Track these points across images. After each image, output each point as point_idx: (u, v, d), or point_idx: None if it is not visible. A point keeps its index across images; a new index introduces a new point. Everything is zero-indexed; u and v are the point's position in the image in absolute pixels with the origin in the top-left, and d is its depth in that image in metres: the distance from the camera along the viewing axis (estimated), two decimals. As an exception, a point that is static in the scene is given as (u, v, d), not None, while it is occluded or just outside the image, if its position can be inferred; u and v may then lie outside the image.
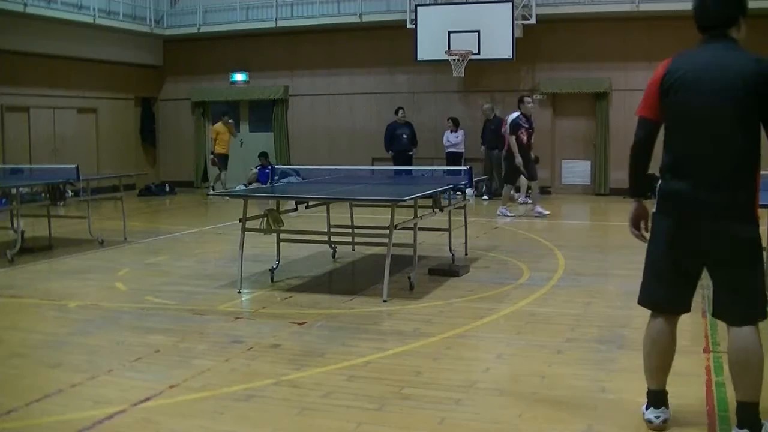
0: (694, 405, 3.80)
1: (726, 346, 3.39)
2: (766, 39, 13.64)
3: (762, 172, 3.35)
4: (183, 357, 4.77)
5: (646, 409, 3.55)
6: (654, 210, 3.43)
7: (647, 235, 3.51)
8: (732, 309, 3.28)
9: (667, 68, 3.31)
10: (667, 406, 3.52)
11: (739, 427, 3.23)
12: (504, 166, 12.69)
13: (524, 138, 11.94)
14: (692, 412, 3.71)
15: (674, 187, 3.29)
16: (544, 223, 11.62)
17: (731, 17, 3.32)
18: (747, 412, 3.20)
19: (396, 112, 15.55)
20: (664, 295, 3.43)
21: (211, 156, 16.55)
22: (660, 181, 3.40)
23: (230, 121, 16.61)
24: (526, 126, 12.03)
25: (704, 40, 3.34)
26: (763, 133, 3.24)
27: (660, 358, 3.49)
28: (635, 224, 3.55)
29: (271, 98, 17.69)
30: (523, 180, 13.61)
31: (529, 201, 13.83)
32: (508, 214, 12.18)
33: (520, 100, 12.45)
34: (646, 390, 3.57)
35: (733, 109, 3.17)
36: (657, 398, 3.51)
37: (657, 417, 3.49)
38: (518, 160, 11.86)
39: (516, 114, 12.44)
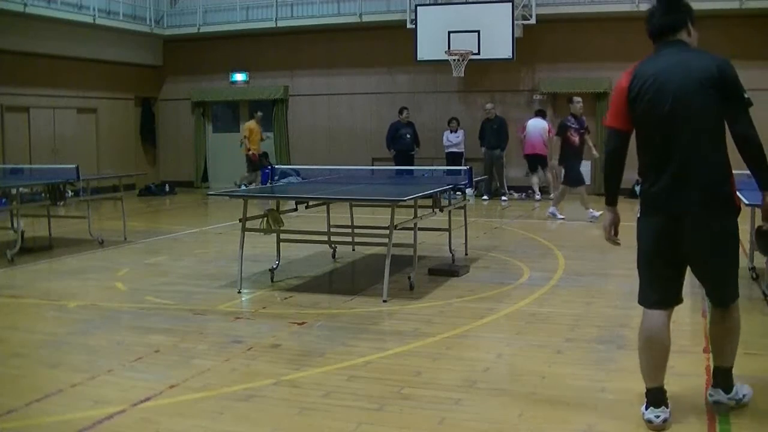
0: (694, 405, 3.79)
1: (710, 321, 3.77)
2: (767, 39, 13.79)
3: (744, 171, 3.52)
4: (183, 357, 4.77)
5: (646, 409, 3.56)
6: (638, 215, 3.61)
7: (619, 241, 3.81)
8: (715, 294, 3.61)
9: (631, 76, 3.50)
10: (666, 406, 3.54)
11: (714, 386, 3.70)
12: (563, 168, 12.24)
13: (575, 139, 11.40)
14: (692, 412, 3.71)
15: (658, 188, 3.47)
16: (544, 223, 11.61)
17: (678, 23, 3.53)
18: (722, 375, 3.67)
19: (400, 112, 15.52)
20: (658, 291, 3.59)
21: (250, 152, 15.80)
22: (641, 185, 3.60)
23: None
24: (576, 126, 11.48)
25: (659, 47, 3.57)
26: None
27: (656, 355, 3.57)
28: (610, 230, 3.78)
29: (271, 98, 17.69)
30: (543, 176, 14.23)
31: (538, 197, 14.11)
32: (559, 216, 11.69)
33: (569, 100, 11.99)
34: (645, 390, 3.60)
35: (703, 107, 3.36)
36: (656, 397, 3.54)
37: (657, 417, 3.50)
38: (553, 162, 11.64)
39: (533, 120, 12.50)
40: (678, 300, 3.62)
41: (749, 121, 3.35)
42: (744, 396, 3.70)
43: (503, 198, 14.84)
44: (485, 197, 14.84)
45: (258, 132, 15.90)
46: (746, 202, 5.24)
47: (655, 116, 3.41)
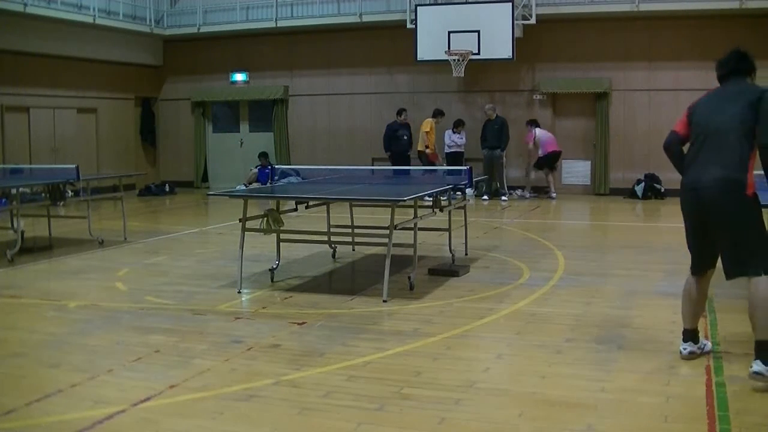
0: (694, 405, 3.80)
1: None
2: (767, 39, 13.78)
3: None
4: (183, 357, 4.77)
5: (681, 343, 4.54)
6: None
7: None
8: (724, 263, 4.29)
9: (697, 101, 4.50)
10: (695, 342, 4.52)
11: (755, 358, 4.05)
12: None
13: None
14: (692, 412, 3.71)
15: (687, 178, 4.37)
16: (544, 224, 11.62)
17: (744, 71, 4.42)
18: (758, 347, 4.06)
19: (399, 113, 15.47)
20: (693, 259, 4.51)
21: (427, 150, 14.62)
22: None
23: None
24: None
25: (723, 84, 4.44)
26: None
27: (689, 305, 4.51)
28: None
29: (271, 98, 17.69)
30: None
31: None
32: None
33: None
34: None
35: (735, 126, 4.19)
36: (687, 335, 4.53)
37: (684, 349, 4.50)
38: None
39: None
40: (704, 266, 4.45)
41: None
42: None
43: (503, 198, 14.83)
44: (485, 197, 14.83)
45: (434, 131, 14.99)
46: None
47: (698, 128, 4.36)
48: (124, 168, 16.61)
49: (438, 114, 15.26)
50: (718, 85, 4.50)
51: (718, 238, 4.28)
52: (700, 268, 4.47)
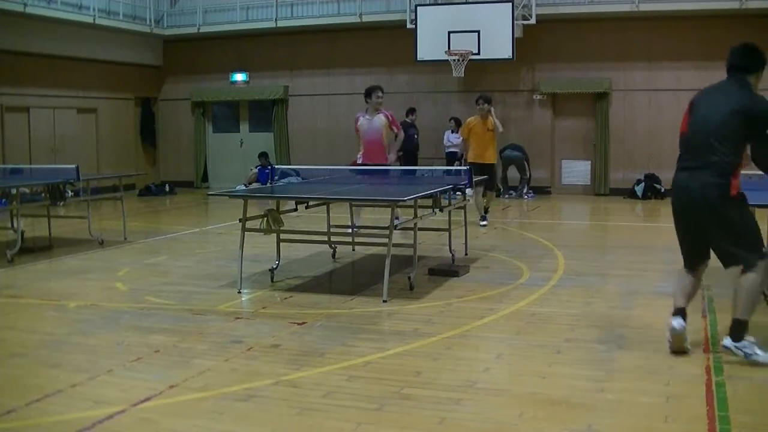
0: (694, 405, 3.80)
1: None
2: (767, 39, 13.78)
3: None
4: (183, 357, 4.77)
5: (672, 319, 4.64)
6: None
7: None
8: (718, 256, 4.52)
9: (695, 97, 4.59)
10: (683, 319, 4.57)
11: (728, 334, 4.38)
12: None
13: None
14: (692, 412, 3.71)
15: (677, 176, 4.55)
16: (544, 223, 11.61)
17: (743, 68, 4.44)
18: (733, 324, 4.36)
19: (412, 112, 15.43)
20: (684, 257, 4.68)
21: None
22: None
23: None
24: None
25: (726, 77, 4.50)
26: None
27: (681, 288, 4.64)
28: None
29: (271, 98, 17.70)
30: None
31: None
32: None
33: None
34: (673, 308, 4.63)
35: (723, 128, 4.31)
36: (678, 311, 4.60)
37: (678, 323, 4.55)
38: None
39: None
40: (697, 265, 4.61)
41: None
42: (753, 356, 4.29)
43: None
44: (526, 195, 14.95)
45: None
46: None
47: (693, 125, 4.47)
48: (124, 168, 16.60)
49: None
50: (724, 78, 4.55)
51: (709, 235, 4.44)
52: (692, 264, 4.63)
